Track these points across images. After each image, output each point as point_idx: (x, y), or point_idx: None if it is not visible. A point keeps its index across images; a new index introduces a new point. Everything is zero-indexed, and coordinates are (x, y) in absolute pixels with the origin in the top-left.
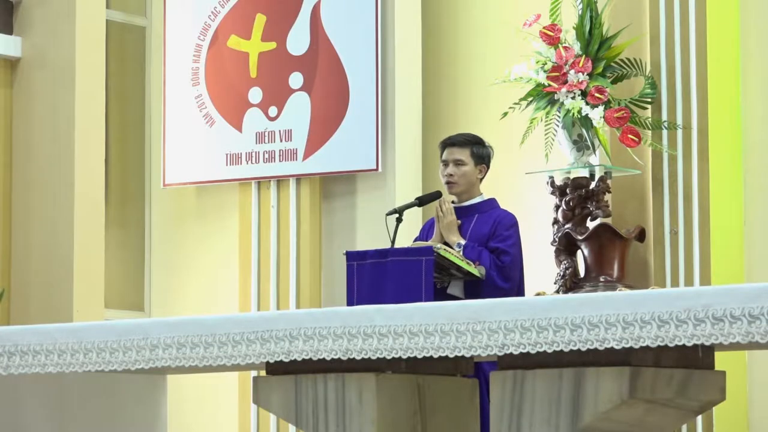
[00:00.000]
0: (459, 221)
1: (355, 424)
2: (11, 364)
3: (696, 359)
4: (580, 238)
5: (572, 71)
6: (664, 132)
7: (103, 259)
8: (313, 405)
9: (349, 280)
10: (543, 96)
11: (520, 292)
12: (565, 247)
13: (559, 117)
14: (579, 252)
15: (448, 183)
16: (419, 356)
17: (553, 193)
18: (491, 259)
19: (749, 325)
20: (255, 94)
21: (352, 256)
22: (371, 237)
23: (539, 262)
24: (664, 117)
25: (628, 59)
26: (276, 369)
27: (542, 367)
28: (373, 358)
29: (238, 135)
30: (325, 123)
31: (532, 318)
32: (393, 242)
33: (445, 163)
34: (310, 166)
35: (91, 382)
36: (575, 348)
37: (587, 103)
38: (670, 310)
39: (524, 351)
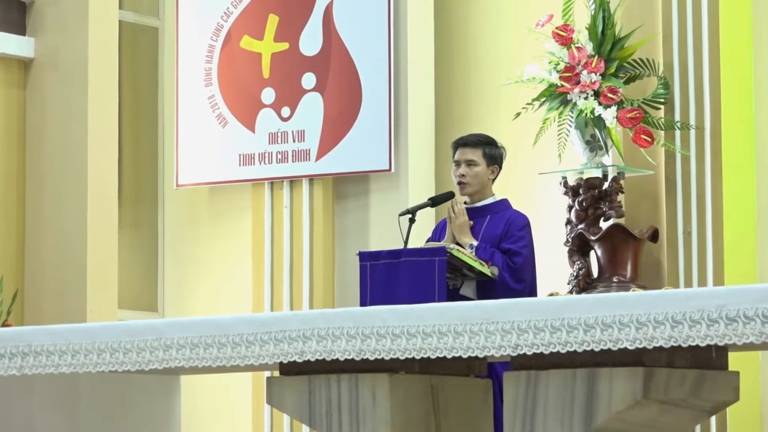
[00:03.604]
0: (471, 222)
1: (369, 424)
2: (25, 365)
3: (709, 359)
4: (593, 238)
5: (585, 71)
6: (677, 132)
7: (116, 259)
8: (326, 405)
9: (362, 280)
10: (556, 96)
11: (532, 292)
12: (578, 248)
13: (571, 117)
14: (592, 252)
15: (460, 183)
16: (433, 357)
17: (566, 193)
18: (503, 261)
19: (763, 325)
20: (268, 95)
21: (365, 257)
22: (384, 237)
23: (552, 263)
24: (677, 117)
25: (641, 59)
26: (289, 369)
27: (556, 367)
28: (387, 358)
29: (250, 135)
30: (338, 123)
31: (545, 318)
32: (406, 243)
33: (458, 164)
34: (323, 166)
35: (104, 383)
36: (589, 348)
37: (600, 104)
38: (683, 310)
39: (538, 351)
